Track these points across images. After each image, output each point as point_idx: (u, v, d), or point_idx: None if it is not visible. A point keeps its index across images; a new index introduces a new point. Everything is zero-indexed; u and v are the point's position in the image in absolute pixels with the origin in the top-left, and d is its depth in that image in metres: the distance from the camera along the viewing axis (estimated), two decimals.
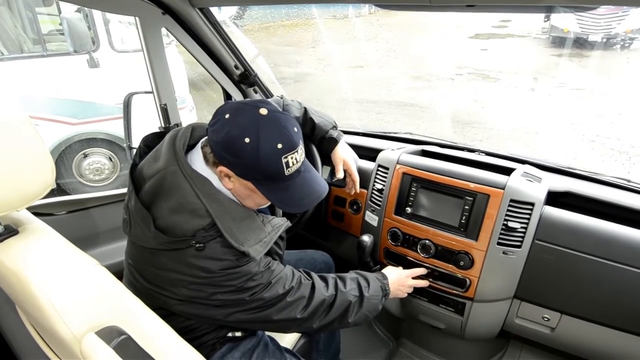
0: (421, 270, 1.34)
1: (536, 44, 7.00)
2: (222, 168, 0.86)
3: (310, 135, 1.44)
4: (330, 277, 1.07)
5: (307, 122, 1.40)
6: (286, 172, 0.85)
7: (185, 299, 0.88)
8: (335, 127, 1.45)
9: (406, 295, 1.30)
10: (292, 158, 0.85)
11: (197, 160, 0.90)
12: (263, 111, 0.83)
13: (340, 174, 1.43)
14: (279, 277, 0.95)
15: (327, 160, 1.50)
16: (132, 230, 0.89)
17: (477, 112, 4.92)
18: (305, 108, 1.41)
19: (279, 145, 0.82)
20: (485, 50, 7.05)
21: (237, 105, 0.86)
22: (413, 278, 1.33)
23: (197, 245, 0.83)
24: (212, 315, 0.91)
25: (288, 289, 0.95)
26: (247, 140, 0.80)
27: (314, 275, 1.04)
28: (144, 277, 0.91)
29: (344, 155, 1.43)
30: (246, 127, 0.81)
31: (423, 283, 1.34)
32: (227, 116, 0.83)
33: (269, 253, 0.98)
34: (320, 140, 1.43)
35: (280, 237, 1.03)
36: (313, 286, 1.00)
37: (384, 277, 1.20)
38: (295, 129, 0.87)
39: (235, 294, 0.89)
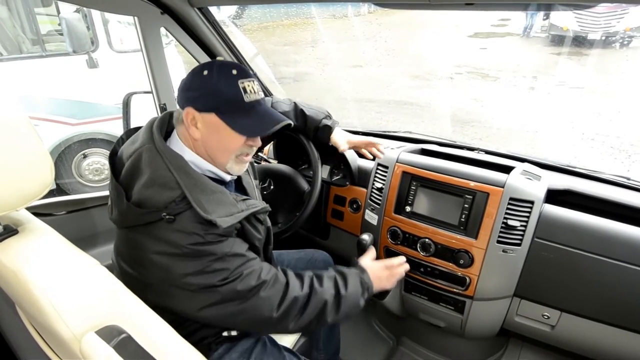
0: (400, 259, 1.23)
1: (535, 43, 6.99)
2: (187, 110, 0.91)
3: (304, 129, 1.44)
4: (307, 275, 1.03)
5: (298, 115, 1.41)
6: (245, 99, 0.92)
7: (155, 282, 0.87)
8: (328, 116, 1.44)
9: (392, 286, 1.21)
10: (248, 85, 0.93)
11: (173, 139, 0.97)
12: (219, 59, 0.98)
13: (343, 147, 1.42)
14: (253, 268, 0.92)
15: (326, 158, 1.50)
16: (113, 214, 0.92)
17: (476, 111, 4.92)
18: (294, 102, 1.43)
19: (234, 72, 0.92)
20: (485, 49, 7.04)
21: None
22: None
23: (168, 217, 0.84)
24: (182, 308, 0.89)
25: (261, 282, 0.92)
26: (205, 72, 0.91)
27: (290, 273, 1.01)
28: (124, 261, 0.93)
29: (345, 136, 1.43)
30: (204, 65, 0.93)
31: (404, 269, 1.23)
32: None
33: (246, 237, 0.97)
34: (315, 131, 1.43)
35: (259, 220, 1.01)
36: (287, 284, 0.97)
37: (363, 270, 1.13)
38: (251, 71, 0.97)
39: (203, 277, 0.86)
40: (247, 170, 1.17)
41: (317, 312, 0.99)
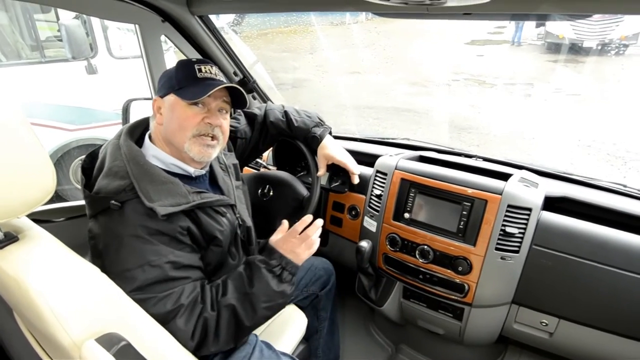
0: (304, 222, 1.08)
1: (532, 50, 7.06)
2: (154, 99, 1.01)
3: (295, 136, 1.46)
4: (214, 285, 0.97)
5: (289, 124, 1.43)
6: (198, 75, 0.99)
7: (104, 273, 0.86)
8: (319, 124, 1.45)
9: (312, 252, 1.08)
10: (204, 67, 1.00)
11: (146, 141, 1.02)
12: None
13: (320, 171, 1.44)
14: (172, 291, 0.88)
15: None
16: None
17: (473, 118, 4.95)
18: (285, 111, 1.44)
19: (193, 59, 1.02)
20: (482, 56, 7.11)
21: None
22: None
23: (114, 204, 0.88)
24: None
25: (178, 306, 0.87)
26: (172, 67, 1.02)
27: (207, 292, 0.94)
28: (90, 252, 0.96)
29: (328, 151, 1.43)
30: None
31: (316, 229, 1.09)
32: None
33: (203, 229, 0.97)
34: (304, 140, 1.45)
35: (219, 212, 1.02)
36: (203, 307, 0.92)
37: (272, 252, 1.03)
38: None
39: (122, 279, 0.82)
40: (227, 171, 1.19)
41: (230, 322, 0.94)
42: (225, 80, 1.02)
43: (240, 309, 0.94)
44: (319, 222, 1.09)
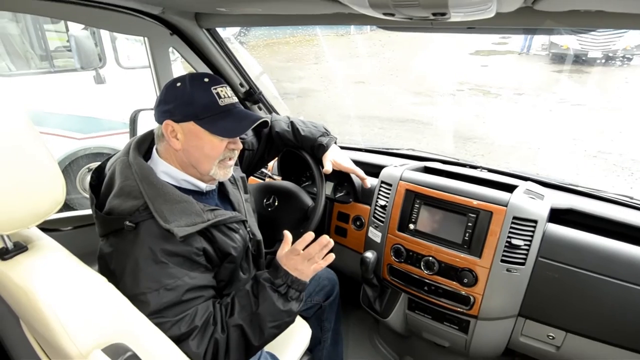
0: (309, 236, 1.02)
1: (536, 61, 7.08)
2: (166, 123, 0.94)
3: (302, 147, 1.47)
4: (223, 305, 0.96)
5: (295, 134, 1.44)
6: (220, 103, 0.96)
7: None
8: (325, 134, 1.46)
9: (314, 272, 1.02)
10: (221, 90, 0.97)
11: (153, 154, 1.01)
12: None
13: (326, 168, 1.42)
14: (186, 314, 0.87)
15: (330, 175, 1.51)
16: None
17: (478, 128, 4.95)
18: (291, 121, 1.45)
19: (205, 79, 0.97)
20: (486, 67, 7.13)
21: None
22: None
23: (128, 225, 0.87)
24: None
25: (192, 327, 0.87)
26: (178, 84, 0.95)
27: (217, 312, 0.94)
28: (99, 269, 0.94)
29: (334, 158, 1.44)
30: (176, 78, 0.98)
31: (321, 242, 1.02)
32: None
33: (219, 247, 0.97)
34: (310, 149, 1.45)
35: (233, 229, 1.02)
36: (214, 329, 0.91)
37: (277, 269, 0.99)
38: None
39: (137, 302, 0.79)
40: (236, 184, 1.19)
41: (240, 342, 0.93)
42: (236, 100, 1.02)
43: (248, 329, 0.93)
44: (324, 239, 1.02)
